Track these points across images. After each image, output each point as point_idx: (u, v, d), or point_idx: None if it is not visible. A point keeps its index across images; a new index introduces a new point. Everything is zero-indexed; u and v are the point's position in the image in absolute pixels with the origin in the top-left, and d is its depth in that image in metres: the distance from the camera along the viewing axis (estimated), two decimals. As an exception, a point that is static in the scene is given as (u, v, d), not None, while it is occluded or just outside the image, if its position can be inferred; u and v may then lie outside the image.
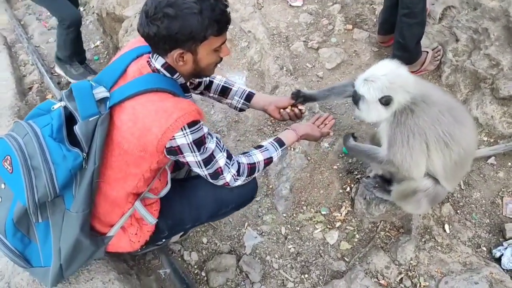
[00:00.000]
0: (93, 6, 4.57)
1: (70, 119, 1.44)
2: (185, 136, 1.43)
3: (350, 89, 1.96)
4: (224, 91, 2.00)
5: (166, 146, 1.44)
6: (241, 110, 2.06)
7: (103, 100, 1.43)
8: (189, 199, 1.76)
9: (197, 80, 1.95)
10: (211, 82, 1.99)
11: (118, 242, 1.67)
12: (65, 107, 1.45)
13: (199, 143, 1.49)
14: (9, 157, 1.40)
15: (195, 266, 2.17)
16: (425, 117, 1.71)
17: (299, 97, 2.01)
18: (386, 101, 1.70)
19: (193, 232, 2.27)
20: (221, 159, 1.59)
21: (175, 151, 1.47)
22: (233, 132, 2.72)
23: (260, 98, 2.03)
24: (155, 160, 1.50)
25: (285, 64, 2.91)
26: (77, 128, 1.37)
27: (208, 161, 1.56)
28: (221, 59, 1.56)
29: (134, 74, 1.49)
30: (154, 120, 1.39)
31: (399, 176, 1.94)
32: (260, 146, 1.81)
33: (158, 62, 1.49)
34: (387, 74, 1.70)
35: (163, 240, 1.99)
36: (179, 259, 2.19)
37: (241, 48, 3.14)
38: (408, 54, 2.68)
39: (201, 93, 2.03)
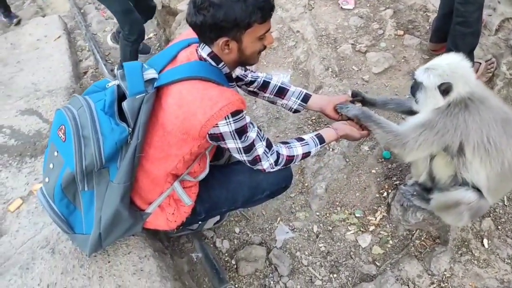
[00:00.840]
0: (149, -1, 4.74)
1: (123, 97, 1.52)
2: (228, 125, 1.48)
3: (409, 104, 1.94)
4: (281, 92, 2.03)
5: (209, 133, 1.50)
6: (296, 111, 2.08)
7: (152, 81, 1.50)
8: (227, 184, 1.82)
9: (249, 77, 1.99)
10: (267, 83, 2.03)
11: (155, 220, 1.75)
12: (118, 86, 1.55)
13: (241, 132, 1.54)
14: (63, 127, 1.51)
15: (226, 254, 2.22)
16: (477, 117, 1.66)
17: (358, 96, 2.03)
18: (446, 89, 1.67)
19: (226, 221, 2.32)
20: (260, 148, 1.65)
21: (218, 137, 1.53)
22: (273, 128, 2.76)
23: (317, 98, 2.05)
24: (196, 144, 1.55)
25: (330, 65, 2.91)
26: (124, 104, 1.46)
27: (248, 149, 1.62)
28: (265, 47, 1.58)
29: (182, 60, 1.56)
30: (200, 107, 1.45)
31: (441, 185, 1.90)
32: (301, 139, 1.84)
33: (204, 51, 1.54)
34: (449, 64, 1.69)
35: (199, 223, 2.05)
36: (211, 245, 2.24)
37: (288, 47, 3.17)
38: None
39: (254, 93, 2.07)
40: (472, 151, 1.69)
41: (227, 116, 1.46)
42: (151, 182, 1.64)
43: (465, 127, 1.66)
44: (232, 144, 1.58)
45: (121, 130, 1.47)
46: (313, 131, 2.70)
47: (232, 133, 1.52)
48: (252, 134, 1.60)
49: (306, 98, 2.03)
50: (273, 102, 2.11)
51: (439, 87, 1.68)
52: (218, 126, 1.48)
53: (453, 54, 1.75)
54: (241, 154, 1.62)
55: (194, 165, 1.69)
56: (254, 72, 2.06)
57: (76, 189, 1.56)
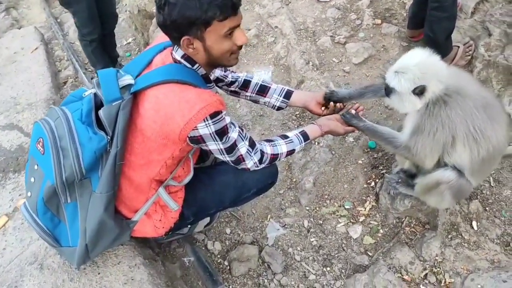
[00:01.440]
0: (125, 4, 4.71)
1: (101, 106, 1.50)
2: (207, 127, 1.46)
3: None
4: (263, 90, 2.02)
5: (189, 136, 1.48)
6: (279, 108, 2.07)
7: (128, 87, 1.48)
8: (212, 185, 1.81)
9: (230, 78, 1.97)
10: (248, 82, 2.02)
11: (143, 228, 1.73)
12: (95, 94, 1.53)
13: (222, 133, 1.52)
14: (41, 139, 1.49)
15: (218, 256, 2.20)
16: (459, 110, 1.66)
17: (332, 98, 1.99)
18: (420, 91, 1.66)
19: (217, 223, 2.31)
20: (242, 148, 1.63)
21: (198, 140, 1.51)
22: (258, 126, 2.75)
23: (300, 95, 2.04)
24: (177, 148, 1.54)
25: (311, 59, 2.91)
26: (101, 112, 1.45)
27: (231, 149, 1.60)
28: (239, 47, 1.52)
29: (157, 64, 1.54)
30: (177, 110, 1.42)
31: (425, 170, 1.91)
32: (285, 137, 1.84)
33: (178, 53, 1.52)
34: (418, 64, 1.65)
35: (189, 226, 2.03)
36: (203, 248, 2.23)
37: (267, 44, 3.16)
38: (438, 48, 2.61)
39: (236, 93, 2.05)
40: (463, 142, 1.70)
41: (206, 118, 1.44)
42: (135, 189, 1.63)
43: (450, 121, 1.66)
44: (213, 146, 1.56)
45: (100, 138, 1.46)
46: (297, 127, 2.72)
47: (212, 135, 1.50)
48: (233, 134, 1.59)
49: (288, 95, 2.03)
50: (255, 101, 2.10)
51: (413, 91, 1.66)
52: (197, 129, 1.46)
53: (419, 51, 1.71)
54: (224, 155, 1.61)
55: (178, 169, 1.67)
56: (235, 72, 2.05)
57: (59, 201, 1.54)
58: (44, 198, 1.53)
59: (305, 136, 1.86)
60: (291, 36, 3.06)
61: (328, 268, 2.12)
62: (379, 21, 3.07)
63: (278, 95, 2.02)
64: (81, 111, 1.49)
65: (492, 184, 2.25)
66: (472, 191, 2.04)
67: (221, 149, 1.58)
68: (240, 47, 1.53)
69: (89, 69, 3.93)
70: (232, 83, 2.01)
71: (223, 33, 1.43)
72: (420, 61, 1.66)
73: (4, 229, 2.15)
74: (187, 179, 1.73)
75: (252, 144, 1.69)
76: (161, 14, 1.40)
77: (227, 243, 2.26)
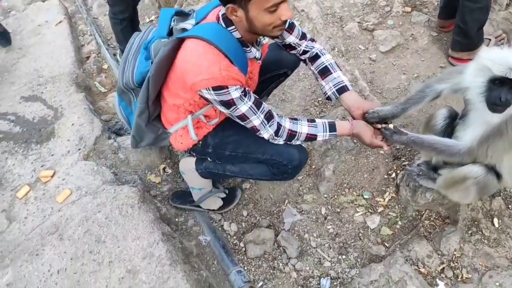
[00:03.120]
0: (150, -19, 4.66)
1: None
2: (210, 95, 1.59)
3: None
4: (324, 72, 1.97)
5: (198, 93, 1.63)
6: (328, 98, 2.01)
7: (183, 30, 1.66)
8: (241, 130, 1.80)
9: (303, 47, 1.96)
10: (318, 57, 1.98)
11: (172, 138, 1.97)
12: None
13: (227, 104, 1.62)
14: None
15: (234, 237, 2.22)
16: None
17: (373, 120, 1.88)
18: None
19: (234, 205, 2.32)
20: (255, 120, 1.70)
21: (207, 99, 1.65)
22: (279, 111, 2.72)
23: (351, 96, 1.94)
24: (195, 95, 1.68)
25: (337, 45, 2.85)
26: (151, 44, 1.71)
27: (241, 119, 1.70)
28: (284, 22, 1.52)
29: (209, 18, 1.65)
30: (190, 70, 1.57)
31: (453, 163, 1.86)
32: (312, 120, 1.84)
33: (222, 11, 1.59)
34: None
35: (208, 158, 2.06)
36: (219, 228, 2.24)
37: (293, 27, 3.11)
38: (469, 40, 2.56)
39: (304, 62, 2.05)
40: None
41: (208, 88, 1.55)
42: (168, 109, 1.86)
43: None
44: (222, 109, 1.69)
45: (145, 64, 1.73)
46: (319, 113, 2.69)
47: (216, 101, 1.62)
48: (242, 107, 1.64)
49: (341, 90, 1.94)
50: (316, 78, 2.05)
51: None
52: (202, 92, 1.59)
53: (498, 48, 1.56)
54: (236, 120, 1.72)
55: (210, 109, 1.82)
56: (313, 41, 2.01)
57: (130, 97, 1.92)
58: (118, 92, 1.98)
59: (332, 127, 1.83)
60: (318, 20, 3.00)
61: (344, 256, 2.12)
62: (409, 9, 2.99)
63: (333, 86, 1.95)
64: (153, 37, 1.76)
65: (517, 182, 2.20)
66: (498, 188, 2.00)
67: (230, 114, 1.68)
68: (284, 22, 1.53)
69: (112, 45, 3.92)
70: (304, 52, 1.98)
71: (267, 7, 1.46)
72: None
73: (26, 199, 2.20)
74: (214, 121, 1.88)
75: (268, 117, 1.73)
76: None
77: (243, 225, 2.27)
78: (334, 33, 2.93)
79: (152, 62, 1.68)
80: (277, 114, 1.80)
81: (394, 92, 2.63)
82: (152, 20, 4.39)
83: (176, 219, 2.25)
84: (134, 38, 1.90)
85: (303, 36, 1.96)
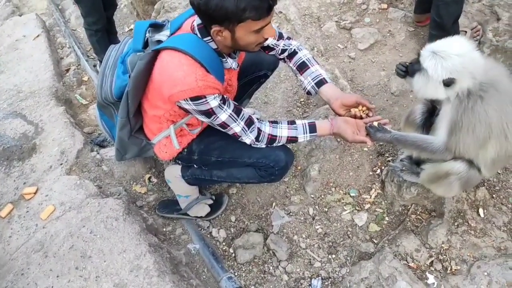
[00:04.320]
0: (127, -10, 4.64)
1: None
2: (189, 105, 1.59)
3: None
4: (302, 67, 1.96)
5: (176, 104, 1.63)
6: (308, 93, 2.00)
7: (159, 42, 1.65)
8: (225, 135, 1.79)
9: (281, 46, 1.95)
10: (295, 53, 1.98)
11: (156, 148, 1.96)
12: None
13: (207, 113, 1.63)
14: None
15: (223, 243, 2.20)
16: (495, 106, 1.59)
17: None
18: (447, 83, 1.59)
19: (221, 211, 2.30)
20: (236, 127, 1.71)
21: (186, 110, 1.65)
22: (262, 113, 2.72)
23: (329, 89, 1.93)
24: (174, 106, 1.67)
25: (316, 45, 2.86)
26: (127, 58, 1.71)
27: (222, 127, 1.71)
28: (266, 39, 1.56)
29: (183, 29, 1.64)
30: (166, 81, 1.58)
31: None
32: (292, 122, 1.83)
33: (197, 21, 1.58)
34: (460, 55, 1.56)
35: (194, 165, 2.06)
36: (208, 235, 2.23)
37: (272, 29, 3.11)
38: (445, 33, 2.56)
39: (283, 60, 2.04)
40: (495, 139, 1.66)
41: (186, 99, 1.56)
42: (150, 120, 1.86)
43: (487, 117, 1.60)
44: (202, 118, 1.69)
45: (123, 79, 1.73)
46: (302, 114, 2.70)
47: (195, 111, 1.63)
48: (222, 116, 1.65)
49: (320, 83, 1.93)
50: (295, 75, 2.04)
51: (443, 80, 1.58)
52: (180, 103, 1.60)
53: (463, 40, 1.61)
54: (217, 127, 1.72)
55: (192, 118, 1.83)
56: (290, 39, 2.00)
57: (111, 111, 1.89)
58: (98, 106, 1.95)
59: (312, 128, 1.83)
60: (296, 21, 3.01)
61: (334, 256, 2.12)
62: (385, 6, 3.02)
63: (312, 79, 1.94)
64: (129, 51, 1.76)
65: (499, 172, 2.23)
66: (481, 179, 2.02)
67: (211, 123, 1.70)
68: (266, 39, 1.57)
69: (91, 56, 3.90)
70: (282, 51, 1.98)
71: (254, 30, 1.48)
72: (462, 52, 1.57)
73: (9, 217, 2.16)
74: (196, 130, 1.89)
75: (249, 123, 1.74)
76: (197, 0, 1.42)
77: (232, 230, 2.26)
78: (313, 33, 2.94)
79: (129, 76, 1.68)
80: (258, 119, 1.81)
81: (375, 88, 2.65)
82: (131, 29, 4.37)
83: (164, 229, 2.23)
84: (110, 51, 1.88)
85: (280, 36, 1.95)
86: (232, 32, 1.48)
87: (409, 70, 1.73)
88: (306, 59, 1.97)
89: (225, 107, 1.64)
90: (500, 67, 1.77)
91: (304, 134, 1.82)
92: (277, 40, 1.95)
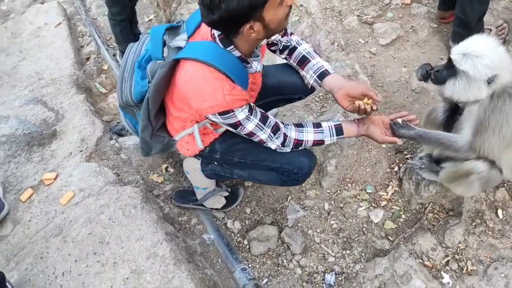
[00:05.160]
0: (147, -20, 4.64)
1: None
2: (217, 118, 1.59)
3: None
4: (303, 62, 1.90)
5: (204, 116, 1.63)
6: (312, 88, 1.96)
7: (178, 48, 1.61)
8: (253, 141, 1.76)
9: (284, 42, 1.91)
10: (294, 49, 1.92)
11: (179, 144, 1.95)
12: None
13: (234, 126, 1.63)
14: None
15: (238, 235, 2.22)
16: None
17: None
18: (490, 80, 1.55)
19: (237, 204, 2.32)
20: (263, 135, 1.69)
21: (214, 121, 1.65)
22: (280, 107, 2.71)
23: (333, 79, 1.83)
24: (198, 115, 1.68)
25: (336, 39, 2.84)
26: (148, 65, 1.67)
27: (249, 135, 1.69)
28: (290, 7, 1.47)
29: (203, 34, 1.58)
30: (194, 96, 1.55)
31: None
32: (318, 125, 1.79)
33: (216, 31, 1.51)
34: (493, 51, 1.55)
35: (215, 162, 2.07)
36: (223, 226, 2.24)
37: (292, 23, 3.10)
38: (469, 31, 2.53)
39: (286, 58, 1.99)
40: None
41: (214, 113, 1.55)
42: (174, 118, 1.83)
43: None
44: (229, 129, 1.68)
45: (142, 84, 1.71)
46: (320, 108, 2.68)
47: (224, 123, 1.63)
48: (248, 126, 1.64)
49: (322, 75, 1.84)
50: (299, 72, 1.97)
51: (488, 79, 1.55)
52: (208, 116, 1.60)
53: (486, 37, 1.59)
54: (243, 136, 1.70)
55: None
56: (292, 35, 1.95)
57: (133, 110, 1.86)
58: (120, 107, 1.90)
59: (339, 130, 1.79)
60: (317, 15, 2.99)
61: (348, 251, 2.11)
62: (408, 1, 2.97)
63: (313, 73, 1.87)
64: (144, 55, 1.74)
65: (520, 173, 2.19)
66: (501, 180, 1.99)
67: (238, 132, 1.67)
68: (290, 7, 1.48)
69: (111, 46, 3.92)
70: (285, 48, 1.93)
71: (278, 2, 1.39)
72: (494, 48, 1.56)
73: (29, 202, 2.20)
74: (221, 130, 1.87)
75: (275, 130, 1.71)
76: (215, 13, 1.34)
77: (246, 222, 2.27)
78: (334, 27, 2.91)
79: (149, 82, 1.66)
80: (283, 123, 1.77)
81: (395, 85, 2.61)
82: (151, 20, 4.38)
83: (180, 218, 2.26)
84: (128, 53, 1.83)
85: (284, 33, 1.91)
86: (262, 21, 1.40)
87: (439, 77, 1.68)
88: (306, 53, 1.89)
89: (252, 117, 1.63)
90: None
91: (331, 137, 1.79)
92: (282, 36, 1.90)
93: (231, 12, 1.33)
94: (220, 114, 1.55)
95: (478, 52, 1.54)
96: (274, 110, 2.63)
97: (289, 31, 1.95)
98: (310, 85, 1.93)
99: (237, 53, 1.55)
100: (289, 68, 2.01)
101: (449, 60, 1.63)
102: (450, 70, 1.62)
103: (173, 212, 2.24)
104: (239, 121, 1.59)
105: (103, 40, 3.91)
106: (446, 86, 1.66)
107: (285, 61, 2.02)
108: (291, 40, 1.93)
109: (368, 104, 1.73)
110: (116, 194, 2.06)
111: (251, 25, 1.39)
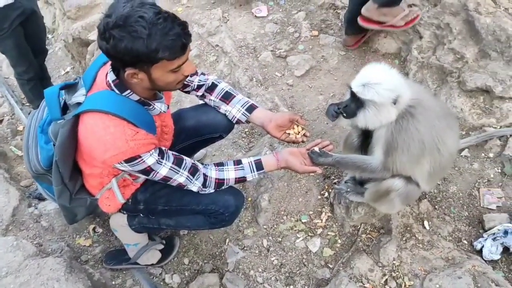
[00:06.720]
0: (60, 33, 4.54)
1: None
2: (124, 167, 1.54)
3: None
4: (227, 97, 1.95)
5: (112, 167, 1.56)
6: (238, 121, 1.99)
7: (78, 104, 1.55)
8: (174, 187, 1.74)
9: (196, 82, 1.92)
10: (215, 86, 1.95)
11: (101, 202, 1.88)
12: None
13: (145, 172, 1.58)
14: None
15: (178, 289, 2.12)
16: (424, 122, 1.67)
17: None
18: (395, 101, 1.63)
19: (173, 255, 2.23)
20: (180, 178, 1.66)
21: (124, 170, 1.60)
22: (208, 147, 2.69)
23: (261, 113, 1.95)
24: (110, 166, 1.59)
25: (254, 75, 2.91)
26: (49, 128, 1.62)
27: (165, 180, 1.65)
28: (186, 76, 1.51)
29: (99, 85, 1.55)
30: (96, 147, 1.50)
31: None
32: (238, 162, 1.81)
33: (111, 77, 1.50)
34: (387, 75, 1.64)
35: (140, 214, 1.99)
36: (161, 283, 2.14)
37: (210, 63, 3.14)
38: None
39: (203, 96, 1.98)
40: (429, 154, 1.73)
41: (120, 162, 1.50)
42: (90, 177, 1.77)
43: (419, 134, 1.67)
44: (143, 176, 1.65)
45: (48, 149, 1.65)
46: (248, 144, 2.70)
47: (133, 171, 1.59)
48: (162, 171, 1.60)
49: (251, 109, 1.94)
50: (217, 107, 1.99)
51: (393, 100, 1.63)
52: (115, 166, 1.53)
53: (377, 65, 1.70)
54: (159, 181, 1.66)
55: None
56: (205, 75, 1.97)
57: (47, 178, 1.75)
58: (33, 176, 1.86)
59: (259, 165, 1.82)
60: (233, 53, 3.05)
61: (291, 286, 2.09)
62: (316, 33, 3.13)
63: (241, 106, 1.94)
64: (45, 120, 1.68)
65: (438, 182, 2.32)
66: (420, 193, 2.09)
67: (152, 179, 1.64)
68: (186, 76, 1.52)
69: (26, 104, 3.73)
70: (199, 87, 1.94)
71: (171, 69, 1.42)
72: (387, 72, 1.66)
73: None
74: (140, 179, 1.81)
75: (193, 172, 1.69)
76: (104, 44, 1.34)
77: (186, 274, 2.19)
78: (250, 63, 2.99)
79: (54, 144, 1.60)
80: (203, 164, 1.77)
81: (314, 113, 2.71)
82: (68, 72, 4.25)
83: (113, 282, 2.12)
84: (30, 120, 1.78)
85: (195, 73, 1.93)
86: (148, 74, 1.41)
87: (349, 112, 1.74)
88: (229, 89, 1.97)
89: (164, 161, 1.59)
90: (417, 84, 1.89)
91: (251, 173, 1.80)
92: (191, 76, 1.92)
93: (116, 52, 1.34)
94: (127, 161, 1.50)
95: (376, 80, 1.63)
96: (203, 151, 2.61)
97: (204, 71, 1.97)
98: (236, 119, 1.97)
99: (135, 97, 1.53)
100: (206, 106, 2.02)
101: (352, 93, 1.70)
102: (357, 103, 1.69)
103: (105, 277, 2.10)
104: (149, 166, 1.55)
105: (16, 100, 3.72)
106: (358, 118, 1.72)
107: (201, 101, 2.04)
108: (207, 79, 1.96)
109: (299, 134, 1.89)
110: (37, 268, 1.89)
111: (134, 72, 1.40)
